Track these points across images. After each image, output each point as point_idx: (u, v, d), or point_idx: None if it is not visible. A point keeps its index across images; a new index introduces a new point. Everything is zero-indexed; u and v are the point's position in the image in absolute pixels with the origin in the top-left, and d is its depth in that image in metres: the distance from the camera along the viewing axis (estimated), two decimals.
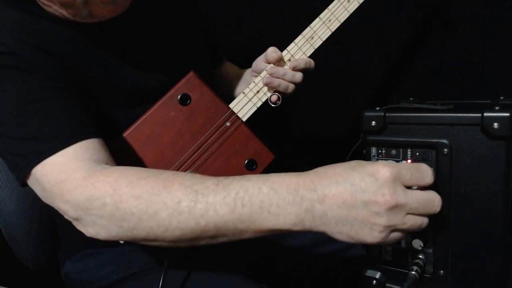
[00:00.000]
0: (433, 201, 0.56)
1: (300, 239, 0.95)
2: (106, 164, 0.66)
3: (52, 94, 0.67)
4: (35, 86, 0.66)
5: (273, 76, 0.84)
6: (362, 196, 0.53)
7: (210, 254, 0.84)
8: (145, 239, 0.60)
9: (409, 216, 0.54)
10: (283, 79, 0.85)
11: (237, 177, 0.58)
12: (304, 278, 0.95)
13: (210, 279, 0.79)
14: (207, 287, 0.78)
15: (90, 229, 0.62)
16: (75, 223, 0.64)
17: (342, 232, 0.54)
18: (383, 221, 0.53)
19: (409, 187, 0.55)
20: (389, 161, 0.57)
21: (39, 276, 1.05)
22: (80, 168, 0.62)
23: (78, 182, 0.61)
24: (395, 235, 0.55)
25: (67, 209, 0.62)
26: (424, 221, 0.56)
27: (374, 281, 0.75)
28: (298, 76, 0.85)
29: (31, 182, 0.66)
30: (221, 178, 0.59)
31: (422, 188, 0.57)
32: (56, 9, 0.67)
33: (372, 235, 0.54)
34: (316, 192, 0.54)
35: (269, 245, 0.95)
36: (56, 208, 0.64)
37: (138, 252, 0.83)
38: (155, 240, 0.60)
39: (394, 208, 0.53)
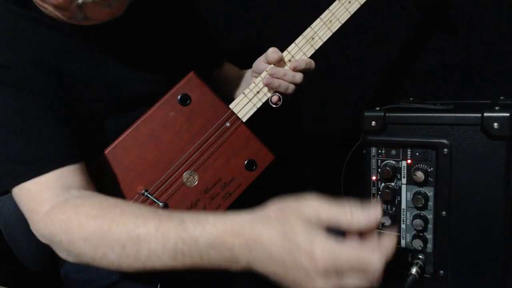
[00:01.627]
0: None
1: None
2: (78, 189, 0.68)
3: (38, 113, 0.68)
4: (21, 105, 0.67)
5: (274, 77, 0.84)
6: (293, 278, 0.53)
7: None
8: (106, 267, 0.64)
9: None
10: (283, 79, 0.84)
11: (175, 224, 0.59)
12: None
13: (210, 279, 0.79)
14: (208, 285, 0.78)
15: (60, 254, 0.66)
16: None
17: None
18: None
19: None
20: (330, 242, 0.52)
21: (39, 276, 1.05)
22: (47, 200, 0.65)
23: (42, 216, 0.65)
24: None
25: (38, 236, 0.66)
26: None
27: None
28: (299, 76, 0.85)
29: (13, 195, 0.68)
30: (163, 219, 0.60)
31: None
32: (51, 11, 0.67)
33: None
34: (250, 253, 0.55)
35: None
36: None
37: None
38: (116, 269, 0.64)
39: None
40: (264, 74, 0.84)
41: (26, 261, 1.00)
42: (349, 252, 0.51)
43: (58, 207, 0.65)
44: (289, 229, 0.53)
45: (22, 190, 0.66)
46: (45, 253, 1.00)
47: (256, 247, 0.55)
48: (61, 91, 0.71)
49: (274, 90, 0.85)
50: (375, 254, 0.51)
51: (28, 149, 0.67)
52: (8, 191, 0.68)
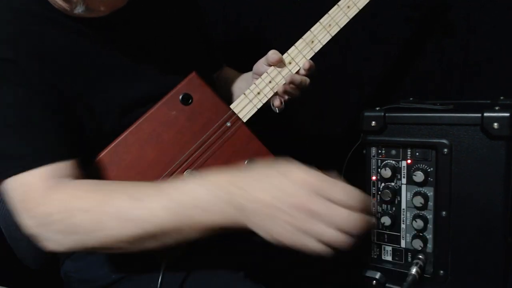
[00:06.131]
0: (338, 214, 0.55)
1: None
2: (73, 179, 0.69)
3: (33, 110, 0.68)
4: (19, 100, 0.68)
5: (293, 84, 0.85)
6: (277, 194, 0.57)
7: (208, 254, 0.83)
8: (100, 249, 0.66)
9: (321, 225, 0.55)
10: (298, 86, 0.86)
11: (173, 181, 0.64)
12: (304, 278, 0.95)
13: (208, 279, 0.79)
14: (205, 286, 0.78)
15: (49, 243, 0.66)
16: (36, 240, 0.67)
17: (259, 226, 0.58)
18: (288, 217, 0.56)
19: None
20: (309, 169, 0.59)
21: (39, 276, 1.05)
22: (42, 187, 0.66)
23: (36, 200, 0.65)
24: (306, 240, 0.56)
25: (29, 225, 0.66)
26: (327, 231, 0.55)
27: (374, 281, 0.76)
28: (308, 82, 0.87)
29: (2, 190, 0.68)
30: (161, 184, 0.65)
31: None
32: (55, 1, 0.69)
33: (280, 229, 0.57)
34: (242, 188, 0.59)
35: (268, 245, 0.95)
36: (20, 222, 0.67)
37: (137, 252, 0.83)
38: (109, 248, 0.65)
39: (302, 209, 0.55)
40: (264, 75, 0.85)
41: (26, 261, 1.00)
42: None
43: (54, 189, 0.66)
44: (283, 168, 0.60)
45: (16, 181, 0.66)
46: (45, 252, 1.00)
47: (247, 181, 0.60)
48: (61, 87, 0.71)
49: (284, 96, 0.86)
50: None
51: (23, 143, 0.67)
52: None
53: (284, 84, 0.84)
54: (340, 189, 0.57)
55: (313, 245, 0.56)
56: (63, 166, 0.68)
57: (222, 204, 0.59)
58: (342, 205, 0.56)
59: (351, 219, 0.56)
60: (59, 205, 0.64)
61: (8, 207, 0.93)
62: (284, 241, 0.57)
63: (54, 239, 0.65)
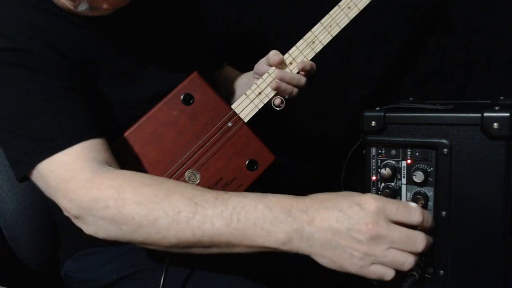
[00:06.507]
0: (416, 238, 0.57)
1: None
2: (109, 165, 0.68)
3: (58, 93, 0.68)
4: (42, 85, 0.67)
5: (282, 81, 0.85)
6: (347, 223, 0.55)
7: (210, 255, 0.83)
8: (142, 243, 0.63)
9: (391, 251, 0.56)
10: (289, 83, 0.86)
11: (235, 193, 0.61)
12: (304, 279, 0.95)
13: (210, 279, 0.79)
14: (207, 287, 0.78)
15: (90, 227, 0.64)
16: (74, 220, 0.65)
17: (325, 256, 0.57)
18: (363, 248, 0.55)
19: (397, 223, 0.57)
20: (379, 195, 0.60)
21: (39, 276, 1.05)
22: (86, 168, 0.64)
23: (83, 182, 0.62)
24: (377, 268, 0.56)
25: (70, 207, 0.63)
26: (408, 259, 0.57)
27: (374, 281, 0.75)
28: (303, 80, 0.87)
29: (35, 177, 0.67)
30: (221, 193, 0.61)
31: (409, 226, 0.58)
32: (58, 0, 0.69)
33: (351, 261, 0.56)
34: (307, 213, 0.57)
35: None
36: (58, 204, 0.65)
37: (138, 252, 0.83)
38: (151, 244, 0.62)
39: (376, 238, 0.55)
40: (265, 75, 0.85)
41: (26, 261, 1.00)
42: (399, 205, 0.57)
43: (104, 174, 0.63)
44: (345, 193, 0.59)
45: (52, 163, 0.64)
46: (45, 252, 1.00)
47: (313, 206, 0.58)
48: (76, 74, 0.71)
49: (280, 93, 0.86)
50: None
51: (54, 125, 0.65)
52: (27, 177, 0.67)
53: (276, 80, 0.84)
54: (408, 211, 0.58)
55: (388, 274, 0.57)
56: (95, 145, 0.67)
57: (282, 225, 0.57)
58: (411, 226, 0.57)
59: (424, 241, 0.57)
60: (108, 192, 0.61)
61: (9, 206, 0.94)
62: (356, 272, 0.57)
63: (98, 224, 0.63)
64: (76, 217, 0.64)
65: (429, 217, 0.60)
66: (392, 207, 0.57)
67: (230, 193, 0.61)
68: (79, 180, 0.63)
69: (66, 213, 0.65)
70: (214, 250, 0.61)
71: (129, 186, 0.62)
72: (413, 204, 0.59)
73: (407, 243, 0.56)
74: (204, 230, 0.59)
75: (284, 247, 0.58)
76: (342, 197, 0.58)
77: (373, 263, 0.56)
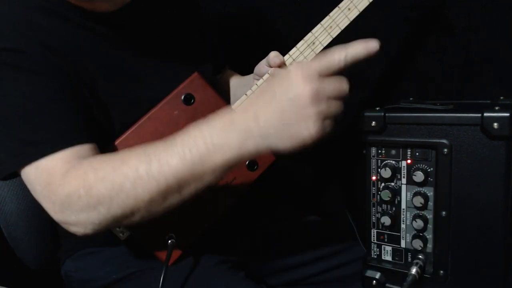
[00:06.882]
0: (342, 82, 0.60)
1: (301, 239, 0.95)
2: None
3: (50, 96, 0.68)
4: (34, 88, 0.67)
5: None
6: (285, 97, 0.57)
7: (210, 254, 0.84)
8: (124, 217, 0.64)
9: (331, 101, 0.59)
10: None
11: (182, 132, 0.63)
12: (304, 278, 0.95)
13: (210, 279, 0.79)
14: (206, 287, 0.78)
15: (78, 227, 0.65)
16: (64, 226, 0.67)
17: (283, 138, 0.58)
18: (311, 110, 0.57)
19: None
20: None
21: (39, 276, 1.05)
22: (64, 169, 0.65)
23: (58, 182, 0.64)
24: (328, 122, 0.59)
25: (54, 210, 0.65)
26: (340, 104, 0.61)
27: (374, 281, 0.76)
28: None
29: (24, 180, 0.68)
30: (170, 137, 0.63)
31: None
32: None
33: (308, 128, 0.57)
34: (247, 112, 0.59)
35: (269, 245, 0.95)
36: (46, 209, 0.67)
37: (138, 252, 0.83)
38: (132, 213, 0.64)
39: (316, 95, 0.57)
40: (266, 76, 0.85)
41: (26, 261, 1.00)
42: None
43: (73, 168, 0.65)
44: (270, 78, 0.64)
45: (38, 168, 0.65)
46: (45, 252, 1.00)
47: (250, 103, 0.61)
48: (72, 77, 0.71)
49: None
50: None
51: (42, 129, 0.66)
52: (17, 174, 0.68)
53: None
54: (329, 63, 0.60)
55: (331, 124, 0.60)
56: (82, 149, 0.68)
57: (229, 133, 0.59)
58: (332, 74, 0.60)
59: (347, 82, 0.61)
60: (76, 182, 0.63)
61: (9, 206, 0.94)
62: (308, 136, 0.58)
63: (80, 220, 0.64)
64: (64, 221, 0.66)
65: (342, 56, 0.61)
66: (314, 64, 0.59)
67: (177, 134, 0.63)
68: (56, 181, 0.64)
69: (55, 218, 0.66)
70: (189, 191, 0.63)
71: (91, 169, 0.64)
72: (331, 52, 0.61)
73: (340, 89, 0.59)
74: (165, 174, 0.61)
75: (245, 152, 0.59)
76: (267, 84, 0.61)
77: (325, 119, 0.58)
